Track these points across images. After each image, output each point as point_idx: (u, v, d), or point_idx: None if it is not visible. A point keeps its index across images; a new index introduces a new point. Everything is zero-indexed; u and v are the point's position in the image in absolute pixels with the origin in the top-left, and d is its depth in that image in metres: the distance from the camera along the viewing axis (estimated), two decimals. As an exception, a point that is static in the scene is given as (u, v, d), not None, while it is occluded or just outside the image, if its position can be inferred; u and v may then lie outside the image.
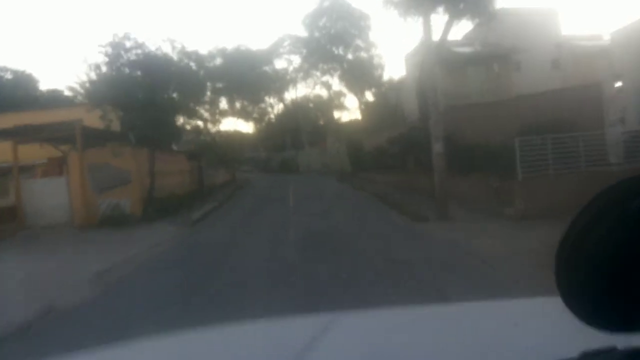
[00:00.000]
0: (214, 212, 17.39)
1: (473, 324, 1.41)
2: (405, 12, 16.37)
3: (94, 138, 16.87)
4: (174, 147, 24.10)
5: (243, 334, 1.54)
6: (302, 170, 57.17)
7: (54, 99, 29.80)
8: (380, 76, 36.39)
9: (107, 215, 14.95)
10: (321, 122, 52.11)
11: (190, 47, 19.78)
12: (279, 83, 44.65)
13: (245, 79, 36.25)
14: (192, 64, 22.56)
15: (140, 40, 16.70)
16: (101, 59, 16.74)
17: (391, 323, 1.50)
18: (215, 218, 15.90)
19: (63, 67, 79.92)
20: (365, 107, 36.40)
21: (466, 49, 24.87)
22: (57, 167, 15.47)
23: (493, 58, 24.53)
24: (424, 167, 17.91)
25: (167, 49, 18.35)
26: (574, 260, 0.70)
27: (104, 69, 16.82)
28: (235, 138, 49.41)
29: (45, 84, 61.36)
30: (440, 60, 17.26)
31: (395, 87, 30.44)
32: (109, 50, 16.41)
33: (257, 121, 55.14)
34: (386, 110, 29.50)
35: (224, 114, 39.29)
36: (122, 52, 16.36)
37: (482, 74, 24.62)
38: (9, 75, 35.46)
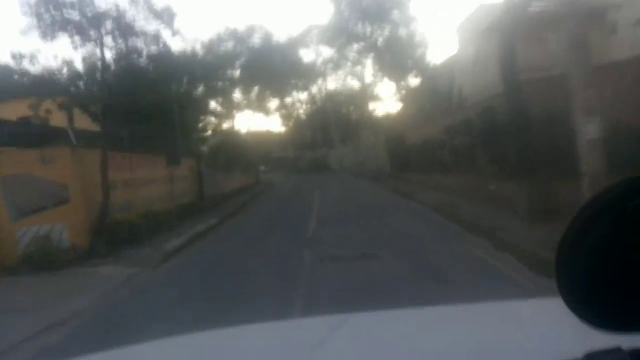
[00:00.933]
0: (202, 238, 12.07)
1: (477, 324, 1.39)
2: None
3: (32, 139, 11.99)
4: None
5: (251, 336, 1.52)
6: (333, 169, 51.82)
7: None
8: (423, 55, 30.28)
9: (33, 250, 9.86)
10: (354, 116, 46.60)
11: (159, 5, 14.16)
12: (305, 74, 39.36)
13: (264, 65, 30.99)
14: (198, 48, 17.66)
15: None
16: (28, 22, 11.56)
17: (395, 324, 1.48)
18: (197, 251, 10.59)
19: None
20: (407, 93, 30.38)
21: (543, 8, 18.94)
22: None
23: (581, 18, 18.49)
24: (506, 165, 12.16)
25: (124, 3, 12.97)
26: (574, 260, 0.69)
27: (35, 36, 11.76)
28: (257, 136, 44.50)
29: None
30: (511, 22, 11.59)
31: (446, 65, 24.53)
32: (39, 9, 11.16)
33: (284, 118, 50.18)
34: (435, 95, 23.65)
35: (239, 107, 34.01)
36: (52, 11, 11.04)
37: (567, 39, 18.64)
38: None
